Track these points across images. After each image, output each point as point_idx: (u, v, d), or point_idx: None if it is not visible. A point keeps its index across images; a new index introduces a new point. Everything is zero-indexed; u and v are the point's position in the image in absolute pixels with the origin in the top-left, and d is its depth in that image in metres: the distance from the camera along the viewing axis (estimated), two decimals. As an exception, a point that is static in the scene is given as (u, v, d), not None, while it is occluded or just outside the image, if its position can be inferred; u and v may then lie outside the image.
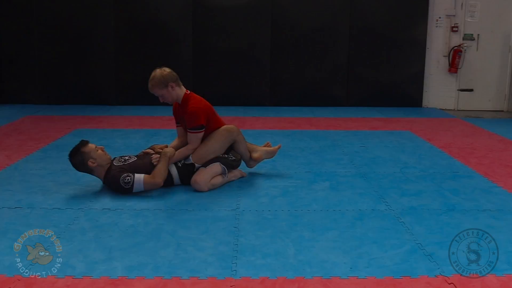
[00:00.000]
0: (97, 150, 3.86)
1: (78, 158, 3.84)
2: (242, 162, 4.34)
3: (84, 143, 3.88)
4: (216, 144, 4.05)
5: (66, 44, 8.02)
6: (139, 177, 3.74)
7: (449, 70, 8.24)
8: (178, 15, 8.01)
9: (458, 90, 8.35)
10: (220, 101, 8.01)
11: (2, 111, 7.46)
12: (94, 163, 3.82)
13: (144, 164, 3.92)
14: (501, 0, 8.04)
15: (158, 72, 3.96)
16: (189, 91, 4.11)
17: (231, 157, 4.14)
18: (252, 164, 4.35)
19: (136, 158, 4.00)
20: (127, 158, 4.00)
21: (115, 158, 4.01)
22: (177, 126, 4.27)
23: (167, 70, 3.99)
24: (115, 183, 3.77)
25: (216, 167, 4.00)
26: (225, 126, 4.12)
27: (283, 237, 3.10)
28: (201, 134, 3.98)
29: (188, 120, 3.97)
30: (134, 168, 3.87)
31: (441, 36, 8.19)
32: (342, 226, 3.29)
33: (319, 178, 4.35)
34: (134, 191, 3.75)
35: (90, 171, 3.89)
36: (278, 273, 2.65)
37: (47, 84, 8.16)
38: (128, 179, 3.73)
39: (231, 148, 4.17)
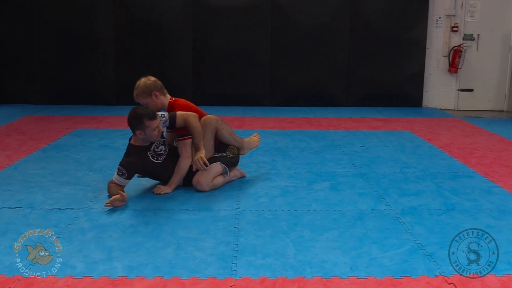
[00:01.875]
0: (154, 130, 3.75)
1: (134, 121, 3.73)
2: (242, 161, 4.34)
3: (151, 116, 3.72)
4: (205, 138, 4.00)
5: (66, 44, 8.03)
6: (116, 178, 3.76)
7: (449, 70, 8.25)
8: (178, 15, 8.01)
9: (458, 90, 8.35)
10: (220, 101, 8.05)
11: (2, 111, 7.46)
12: (141, 135, 3.76)
13: (163, 168, 3.92)
14: (501, 0, 8.04)
15: (142, 81, 3.99)
16: (173, 98, 4.11)
17: (229, 155, 4.13)
18: (244, 151, 4.32)
19: (164, 158, 3.93)
20: (161, 155, 3.92)
21: (161, 143, 3.92)
22: (167, 131, 4.25)
23: (151, 79, 4.02)
24: (123, 157, 3.84)
25: (217, 166, 4.00)
26: (203, 117, 4.06)
27: (283, 237, 3.10)
28: (189, 141, 3.94)
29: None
30: (151, 171, 3.91)
31: (441, 36, 8.19)
32: (342, 226, 3.29)
33: (319, 178, 4.36)
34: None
35: (133, 132, 3.83)
36: (278, 273, 2.65)
37: (47, 84, 8.16)
38: (119, 173, 3.74)
39: (226, 145, 4.14)
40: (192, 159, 3.93)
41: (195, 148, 3.90)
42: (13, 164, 4.66)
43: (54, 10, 7.95)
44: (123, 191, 3.68)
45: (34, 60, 8.08)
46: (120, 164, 3.77)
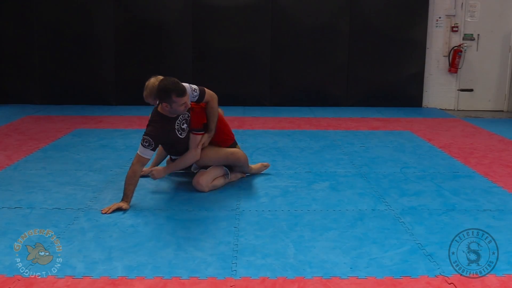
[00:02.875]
0: (181, 106, 3.64)
1: (162, 94, 3.60)
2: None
3: (180, 93, 3.58)
4: (221, 161, 4.03)
5: (66, 44, 8.02)
6: (141, 151, 3.64)
7: (449, 70, 8.25)
8: (178, 15, 8.01)
9: (458, 90, 8.35)
10: (220, 101, 7.97)
11: (2, 111, 7.46)
12: (167, 108, 3.65)
13: (185, 143, 3.90)
14: (501, 0, 8.04)
15: (151, 81, 3.95)
16: None
17: None
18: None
19: (186, 134, 3.89)
20: (184, 131, 3.86)
21: (185, 117, 3.84)
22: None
23: (159, 78, 3.95)
24: (147, 127, 3.76)
25: (218, 168, 4.01)
26: (237, 151, 4.07)
27: (283, 237, 3.10)
28: (199, 137, 3.94)
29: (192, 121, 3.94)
30: (174, 144, 3.87)
31: (441, 36, 8.19)
32: (342, 226, 3.29)
33: (319, 178, 4.35)
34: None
35: (156, 104, 3.78)
36: (278, 273, 2.65)
37: (47, 84, 8.16)
38: (145, 143, 3.62)
39: None
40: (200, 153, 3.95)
41: (208, 128, 3.94)
42: (13, 164, 4.66)
43: (53, 10, 7.95)
44: (130, 201, 3.60)
45: (34, 60, 8.08)
46: (145, 134, 3.67)
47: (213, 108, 3.96)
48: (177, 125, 3.81)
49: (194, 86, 3.87)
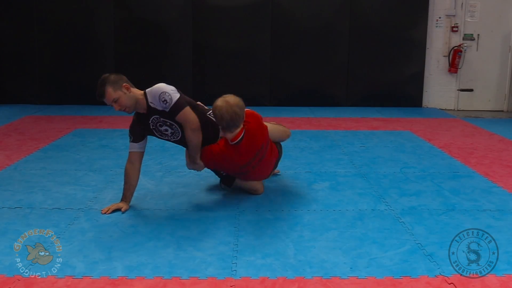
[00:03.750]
0: (113, 105, 3.39)
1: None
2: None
3: (99, 95, 3.35)
4: (243, 184, 3.89)
5: (66, 44, 8.02)
6: (132, 146, 3.56)
7: (449, 70, 8.25)
8: (178, 15, 8.01)
9: (458, 90, 8.35)
10: (220, 101, 8.03)
11: (2, 111, 7.46)
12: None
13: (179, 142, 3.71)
14: (501, 0, 8.04)
15: (218, 105, 3.49)
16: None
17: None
18: None
19: (176, 140, 3.67)
20: (168, 136, 3.64)
21: (161, 122, 3.54)
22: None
23: (228, 102, 3.53)
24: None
25: None
26: (260, 188, 3.90)
27: (283, 237, 3.10)
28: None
29: None
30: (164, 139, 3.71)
31: (441, 36, 8.20)
32: (342, 226, 3.29)
33: (319, 178, 4.35)
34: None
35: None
36: (278, 273, 2.65)
37: (47, 84, 8.16)
38: (128, 137, 3.58)
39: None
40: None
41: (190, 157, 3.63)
42: (13, 164, 4.66)
43: (54, 10, 7.95)
44: (128, 202, 3.59)
45: (34, 60, 8.08)
46: (129, 128, 3.60)
47: (188, 139, 3.51)
48: (152, 125, 3.57)
49: (169, 96, 3.40)
